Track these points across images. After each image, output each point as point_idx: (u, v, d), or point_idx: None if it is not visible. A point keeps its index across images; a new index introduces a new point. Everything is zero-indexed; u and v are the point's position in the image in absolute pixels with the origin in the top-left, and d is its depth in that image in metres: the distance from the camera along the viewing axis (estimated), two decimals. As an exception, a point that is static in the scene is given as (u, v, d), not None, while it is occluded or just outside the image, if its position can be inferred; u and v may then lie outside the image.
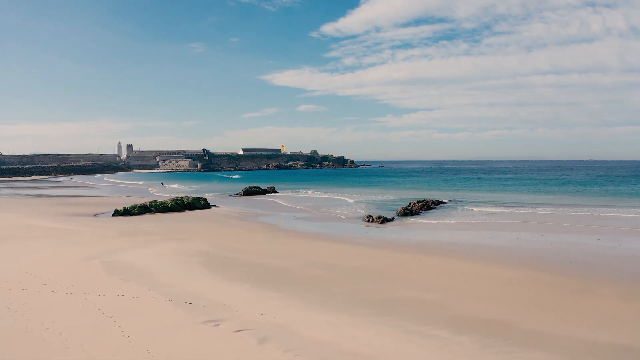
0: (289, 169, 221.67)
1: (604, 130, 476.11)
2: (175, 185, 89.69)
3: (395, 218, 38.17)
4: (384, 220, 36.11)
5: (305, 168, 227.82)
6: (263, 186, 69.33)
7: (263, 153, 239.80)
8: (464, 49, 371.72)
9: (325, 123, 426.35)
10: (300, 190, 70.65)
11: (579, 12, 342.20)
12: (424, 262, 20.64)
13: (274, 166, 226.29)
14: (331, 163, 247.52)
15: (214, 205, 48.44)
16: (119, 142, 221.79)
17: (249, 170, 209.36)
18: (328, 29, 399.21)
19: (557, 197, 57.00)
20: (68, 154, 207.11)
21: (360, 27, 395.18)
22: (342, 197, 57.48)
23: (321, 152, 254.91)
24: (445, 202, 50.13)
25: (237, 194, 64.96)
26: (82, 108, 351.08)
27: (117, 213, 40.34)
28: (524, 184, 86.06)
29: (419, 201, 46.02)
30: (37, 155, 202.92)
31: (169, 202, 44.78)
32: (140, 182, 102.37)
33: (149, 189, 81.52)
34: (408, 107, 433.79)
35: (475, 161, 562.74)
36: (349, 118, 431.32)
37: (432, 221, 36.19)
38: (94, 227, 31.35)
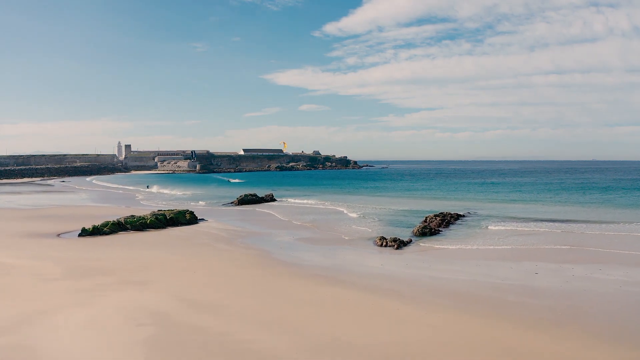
0: (291, 170, 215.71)
1: (606, 130, 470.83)
2: (167, 191, 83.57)
3: (413, 240, 32.13)
4: (399, 244, 30.11)
5: (307, 169, 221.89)
6: (260, 193, 63.87)
7: (264, 154, 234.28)
8: (466, 49, 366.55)
9: (327, 123, 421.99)
10: (301, 198, 64.57)
11: (581, 11, 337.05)
12: (469, 333, 14.53)
13: (275, 167, 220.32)
14: (334, 164, 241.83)
15: (202, 220, 42.49)
16: (119, 142, 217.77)
17: (249, 171, 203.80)
18: (330, 28, 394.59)
19: (589, 209, 50.68)
20: (65, 155, 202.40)
21: (363, 27, 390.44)
22: (347, 209, 51.27)
23: (323, 152, 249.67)
24: (464, 216, 44.54)
25: (231, 203, 59.17)
26: (83, 107, 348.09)
27: (84, 232, 34.33)
28: (542, 190, 79.81)
29: (436, 215, 40.22)
30: (33, 155, 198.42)
31: (149, 217, 38.72)
32: (131, 187, 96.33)
33: (137, 195, 75.52)
34: (410, 106, 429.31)
35: (479, 161, 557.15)
36: (351, 118, 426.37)
37: (457, 246, 30.11)
38: (42, 259, 25.21)
